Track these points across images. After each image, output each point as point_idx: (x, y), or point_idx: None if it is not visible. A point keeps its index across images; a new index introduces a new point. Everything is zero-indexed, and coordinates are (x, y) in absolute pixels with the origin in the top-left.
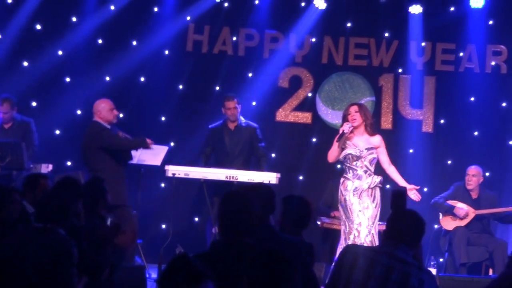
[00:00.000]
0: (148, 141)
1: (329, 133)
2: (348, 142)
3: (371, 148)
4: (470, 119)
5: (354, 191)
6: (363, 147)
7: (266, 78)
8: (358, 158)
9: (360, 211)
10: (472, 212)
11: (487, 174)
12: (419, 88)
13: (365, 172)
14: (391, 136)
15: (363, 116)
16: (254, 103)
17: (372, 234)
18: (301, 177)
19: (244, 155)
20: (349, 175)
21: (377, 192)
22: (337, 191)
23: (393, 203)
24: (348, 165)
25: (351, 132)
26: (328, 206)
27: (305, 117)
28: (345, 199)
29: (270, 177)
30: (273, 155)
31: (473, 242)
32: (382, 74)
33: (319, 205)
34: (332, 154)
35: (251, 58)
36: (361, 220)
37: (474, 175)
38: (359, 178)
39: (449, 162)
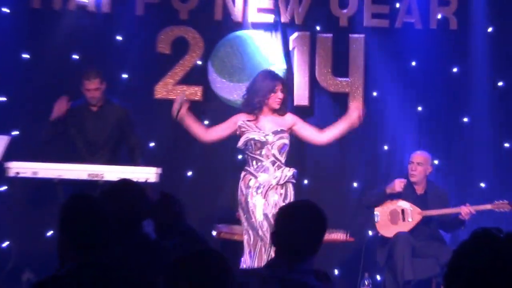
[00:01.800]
0: None
1: (225, 113)
2: (249, 123)
3: (281, 132)
4: (411, 90)
5: (258, 188)
6: (270, 130)
7: (140, 42)
8: (263, 145)
9: (265, 214)
10: (417, 213)
11: (435, 162)
12: (344, 51)
13: (273, 163)
14: (308, 115)
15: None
16: (125, 76)
17: None
18: (189, 173)
19: (111, 145)
20: (252, 167)
21: (290, 189)
22: (237, 190)
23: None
24: (250, 154)
25: (256, 113)
26: (229, 208)
27: (193, 93)
28: (246, 200)
29: (147, 174)
30: (151, 144)
31: (420, 253)
32: (295, 34)
33: (216, 209)
34: (198, 133)
35: (119, 15)
36: (268, 226)
37: (419, 163)
38: (265, 171)
39: (385, 147)
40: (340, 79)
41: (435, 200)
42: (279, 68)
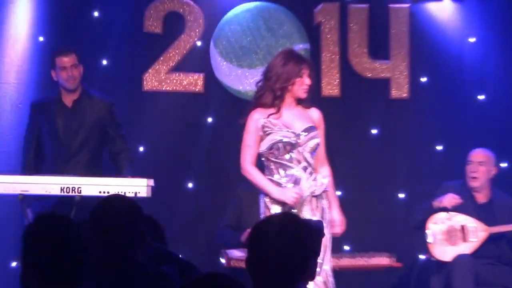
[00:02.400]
0: None
1: (233, 108)
2: (273, 120)
3: (313, 129)
4: (471, 75)
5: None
6: (300, 128)
7: (123, 19)
8: (293, 147)
9: None
10: (482, 230)
11: (503, 165)
12: (384, 26)
13: (305, 169)
14: (339, 108)
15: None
16: (105, 62)
17: (325, 271)
18: (190, 184)
19: (90, 149)
20: (278, 176)
21: (325, 201)
22: (249, 204)
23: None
24: (275, 160)
25: (278, 105)
26: (234, 229)
27: (192, 82)
28: None
29: (136, 187)
30: (141, 148)
31: (485, 281)
32: (320, 4)
33: (219, 229)
34: (249, 157)
35: None
36: None
37: (481, 163)
38: (297, 181)
39: (438, 148)
40: (379, 61)
41: (505, 212)
42: (302, 48)
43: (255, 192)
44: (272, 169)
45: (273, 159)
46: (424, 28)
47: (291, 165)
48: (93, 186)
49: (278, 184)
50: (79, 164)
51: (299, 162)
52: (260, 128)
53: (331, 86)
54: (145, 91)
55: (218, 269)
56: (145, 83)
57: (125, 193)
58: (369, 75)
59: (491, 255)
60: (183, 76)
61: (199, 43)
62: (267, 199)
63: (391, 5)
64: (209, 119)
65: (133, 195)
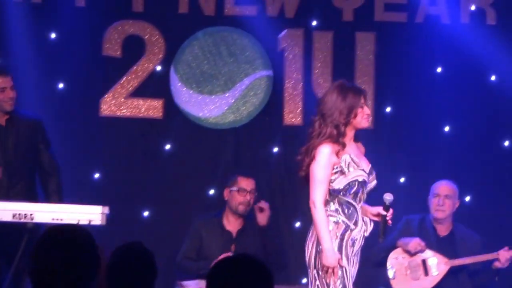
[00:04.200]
0: None
1: (193, 134)
2: (355, 158)
3: (373, 169)
4: (436, 105)
5: (353, 244)
6: (367, 168)
7: (81, 41)
8: (364, 186)
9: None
10: (443, 263)
11: (467, 198)
12: (349, 54)
13: (360, 210)
14: (301, 137)
15: None
16: (61, 86)
17: None
18: (146, 213)
19: (26, 171)
20: (344, 215)
21: None
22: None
23: None
24: (342, 197)
25: (342, 141)
26: (192, 260)
27: (152, 108)
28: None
29: (91, 214)
30: (96, 175)
31: None
32: (284, 30)
33: (177, 261)
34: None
35: (53, 7)
36: None
37: (448, 196)
38: (356, 222)
39: (401, 180)
40: None
41: (466, 244)
42: (264, 75)
43: (213, 222)
44: (336, 204)
45: (341, 196)
46: (390, 56)
47: (355, 204)
48: (46, 213)
49: (347, 224)
50: (20, 189)
51: (360, 201)
52: (332, 164)
53: (293, 115)
54: (102, 116)
55: None
56: (102, 108)
57: (79, 220)
58: None
59: None
60: (142, 102)
61: (159, 68)
62: (343, 243)
63: (357, 32)
64: (168, 146)
65: (87, 222)
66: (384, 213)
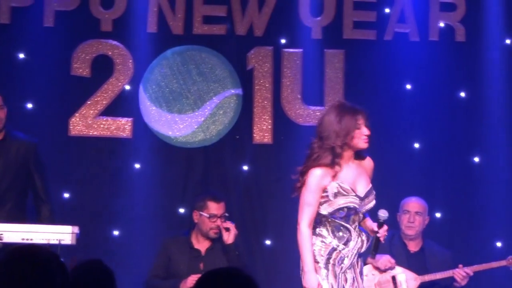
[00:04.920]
0: None
1: (162, 154)
2: (343, 185)
3: (372, 190)
4: (406, 122)
5: (341, 262)
6: (363, 192)
7: (50, 61)
8: (356, 211)
9: None
10: (413, 280)
11: (437, 215)
12: (318, 71)
13: (355, 228)
14: (271, 155)
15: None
16: (30, 105)
17: None
18: (116, 232)
19: (14, 194)
20: (330, 238)
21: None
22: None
23: None
24: (333, 219)
25: (338, 163)
26: (162, 278)
27: (120, 127)
28: (326, 276)
29: (61, 234)
30: (66, 194)
31: None
32: (253, 49)
33: (147, 279)
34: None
35: (21, 27)
36: None
37: (418, 213)
38: (347, 242)
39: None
40: (313, 107)
41: (436, 260)
42: (233, 94)
43: (182, 241)
44: (326, 226)
45: (331, 219)
46: (359, 74)
47: (347, 226)
48: (16, 233)
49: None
50: (4, 209)
51: (354, 222)
52: (322, 188)
53: (262, 133)
54: (71, 136)
55: None
56: (71, 127)
57: (49, 240)
58: (302, 122)
59: None
60: (111, 121)
61: (128, 87)
62: (331, 261)
63: (326, 50)
64: (137, 165)
65: (57, 242)
66: (377, 229)
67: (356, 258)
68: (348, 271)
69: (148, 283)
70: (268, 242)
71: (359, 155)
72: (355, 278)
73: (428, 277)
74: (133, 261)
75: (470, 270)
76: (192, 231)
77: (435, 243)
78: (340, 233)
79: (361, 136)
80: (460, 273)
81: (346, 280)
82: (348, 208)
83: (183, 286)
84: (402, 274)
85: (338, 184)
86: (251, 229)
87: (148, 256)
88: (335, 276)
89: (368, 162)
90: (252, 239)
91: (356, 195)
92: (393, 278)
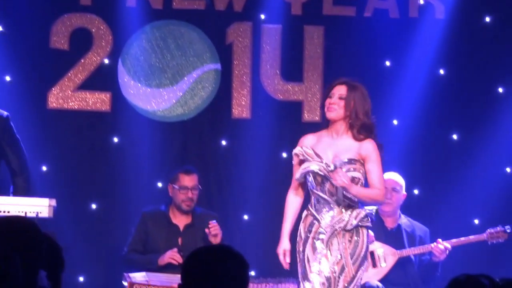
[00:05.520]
0: None
1: (141, 128)
2: (307, 150)
3: (352, 162)
4: (384, 99)
5: (318, 234)
6: (334, 159)
7: (29, 34)
8: (324, 179)
9: (319, 272)
10: (391, 255)
11: (415, 191)
12: (297, 48)
13: (338, 204)
14: (249, 130)
15: (350, 107)
16: (8, 78)
17: None
18: (94, 205)
19: None
20: (313, 208)
21: (363, 235)
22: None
23: None
24: (317, 192)
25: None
26: (139, 252)
27: (99, 101)
28: (303, 248)
29: (39, 207)
30: (44, 167)
31: None
32: (232, 24)
33: (124, 252)
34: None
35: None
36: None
37: (395, 190)
38: (328, 212)
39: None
40: (291, 83)
41: (413, 236)
42: (212, 69)
43: (160, 215)
44: (311, 198)
45: (311, 189)
46: (339, 50)
47: (326, 198)
48: None
49: (314, 216)
50: None
51: (332, 195)
52: (294, 156)
53: (241, 108)
54: (49, 109)
55: None
56: (50, 100)
57: (26, 213)
58: (281, 97)
59: (400, 281)
60: (90, 95)
61: (106, 61)
62: (301, 226)
63: (305, 26)
64: (116, 139)
65: (34, 215)
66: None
67: (331, 237)
68: (317, 246)
69: (126, 257)
70: (246, 216)
71: (360, 136)
72: (321, 259)
73: (406, 252)
74: (111, 234)
75: (448, 244)
76: (170, 205)
77: (413, 219)
78: (319, 205)
79: (328, 105)
80: (439, 248)
81: (312, 257)
82: (314, 172)
83: (161, 261)
84: (380, 249)
85: (301, 148)
86: (230, 204)
87: (126, 229)
88: (314, 248)
89: (367, 146)
90: (230, 214)
91: (322, 161)
92: (371, 253)
